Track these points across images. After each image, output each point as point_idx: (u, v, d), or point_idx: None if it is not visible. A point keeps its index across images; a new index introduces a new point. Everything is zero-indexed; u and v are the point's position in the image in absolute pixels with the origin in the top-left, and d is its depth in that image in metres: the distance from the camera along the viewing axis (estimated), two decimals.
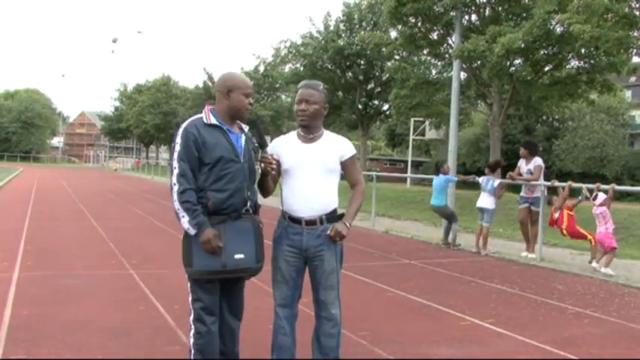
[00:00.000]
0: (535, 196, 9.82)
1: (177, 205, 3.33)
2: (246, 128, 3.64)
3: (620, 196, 9.08)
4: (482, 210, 10.14)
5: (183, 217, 3.32)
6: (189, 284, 3.45)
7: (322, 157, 3.51)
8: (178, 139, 3.39)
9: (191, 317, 3.45)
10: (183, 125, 3.46)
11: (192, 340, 3.44)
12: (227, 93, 3.49)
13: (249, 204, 3.48)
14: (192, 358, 3.44)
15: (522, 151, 10.10)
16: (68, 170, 53.66)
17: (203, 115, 3.50)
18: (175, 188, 3.34)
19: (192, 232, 3.30)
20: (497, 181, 10.04)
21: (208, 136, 3.39)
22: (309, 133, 3.57)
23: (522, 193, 10.14)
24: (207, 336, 3.41)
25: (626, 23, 13.89)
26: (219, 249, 3.29)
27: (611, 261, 8.48)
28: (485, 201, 10.10)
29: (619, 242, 11.71)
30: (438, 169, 11.13)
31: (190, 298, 3.45)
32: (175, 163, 3.37)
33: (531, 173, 9.84)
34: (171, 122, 55.30)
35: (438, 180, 10.96)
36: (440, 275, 8.04)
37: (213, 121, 3.46)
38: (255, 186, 3.60)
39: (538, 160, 9.83)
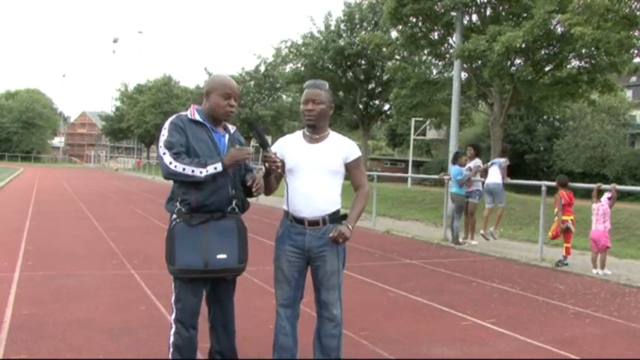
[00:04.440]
0: (472, 189, 11.13)
1: (182, 165, 3.27)
2: (232, 129, 3.64)
3: (620, 196, 9.09)
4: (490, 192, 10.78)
5: (200, 171, 3.27)
6: (173, 283, 3.44)
7: (326, 158, 3.50)
8: (165, 132, 3.39)
9: (172, 316, 3.44)
10: (169, 119, 3.47)
11: (171, 339, 3.42)
12: (207, 95, 3.51)
13: (234, 202, 3.47)
14: (170, 357, 3.43)
15: (472, 151, 11.37)
16: (69, 170, 53.69)
17: (188, 112, 3.52)
18: (169, 156, 3.29)
19: (220, 167, 3.30)
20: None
21: (191, 133, 3.41)
22: (314, 133, 3.56)
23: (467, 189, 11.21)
24: (186, 336, 3.40)
25: (627, 24, 13.88)
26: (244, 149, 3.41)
27: (604, 260, 8.50)
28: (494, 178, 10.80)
29: (620, 242, 11.76)
30: (456, 158, 11.43)
31: (173, 298, 3.44)
32: (165, 149, 3.33)
33: (470, 169, 11.06)
34: None
35: (452, 170, 11.44)
36: (441, 275, 8.04)
37: (197, 117, 3.48)
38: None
39: (478, 161, 11.15)
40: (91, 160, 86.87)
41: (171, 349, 3.42)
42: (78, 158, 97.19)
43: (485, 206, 11.06)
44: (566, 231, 9.08)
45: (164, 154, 3.31)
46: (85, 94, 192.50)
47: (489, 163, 11.17)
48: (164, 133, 3.39)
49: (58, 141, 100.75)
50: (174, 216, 3.40)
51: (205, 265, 3.30)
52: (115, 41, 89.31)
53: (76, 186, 26.96)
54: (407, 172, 42.17)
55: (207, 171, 3.29)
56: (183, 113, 3.52)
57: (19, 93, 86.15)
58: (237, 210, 3.49)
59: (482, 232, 10.84)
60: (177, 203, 3.39)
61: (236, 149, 3.39)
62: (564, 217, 9.04)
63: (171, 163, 3.29)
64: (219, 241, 3.35)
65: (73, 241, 9.58)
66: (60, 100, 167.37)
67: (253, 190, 3.44)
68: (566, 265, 8.93)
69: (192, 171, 3.27)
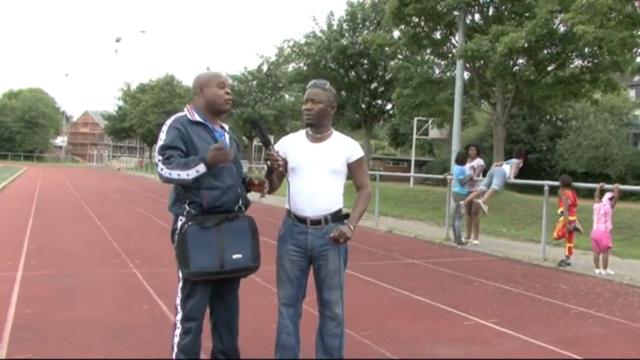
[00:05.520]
0: (475, 189, 11.10)
1: (168, 171, 3.27)
2: (226, 127, 3.64)
3: (623, 196, 9.08)
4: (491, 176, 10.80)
5: (187, 174, 3.24)
6: (180, 284, 3.42)
7: (328, 158, 3.50)
8: (163, 135, 3.38)
9: (178, 317, 3.43)
10: (168, 122, 3.45)
11: (176, 340, 3.42)
12: (200, 91, 3.50)
13: (241, 201, 3.49)
14: (174, 357, 3.43)
15: (473, 150, 11.49)
16: (71, 170, 53.75)
17: (186, 112, 3.49)
18: (160, 162, 3.30)
19: (204, 168, 3.23)
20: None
21: (194, 135, 3.39)
22: (317, 132, 3.57)
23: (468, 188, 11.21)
24: (192, 337, 3.41)
25: (630, 22, 13.86)
26: (227, 152, 3.27)
27: (607, 260, 8.49)
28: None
29: (623, 242, 11.74)
30: (463, 159, 11.37)
31: (179, 299, 3.42)
32: (159, 155, 3.33)
33: (474, 169, 11.18)
34: None
35: (454, 169, 11.47)
36: (443, 275, 8.03)
37: (198, 118, 3.46)
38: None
39: (480, 161, 11.36)
40: (94, 159, 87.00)
41: (175, 350, 3.42)
42: (80, 157, 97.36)
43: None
44: (574, 231, 9.07)
45: (159, 160, 3.32)
46: (88, 94, 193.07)
47: (504, 164, 11.17)
48: (162, 137, 3.39)
49: (61, 140, 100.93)
50: (184, 218, 3.38)
51: (221, 265, 3.31)
52: (118, 40, 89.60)
53: (79, 185, 26.99)
54: (409, 172, 42.17)
55: (188, 175, 3.25)
56: (182, 114, 3.50)
57: (22, 92, 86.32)
58: (243, 209, 3.50)
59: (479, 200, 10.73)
60: (186, 205, 3.37)
61: (215, 148, 3.25)
62: (571, 218, 9.03)
63: (162, 169, 3.30)
64: (234, 242, 3.36)
65: (76, 240, 9.59)
66: (63, 99, 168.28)
67: (265, 190, 3.49)
68: (569, 265, 8.92)
69: (179, 175, 3.26)
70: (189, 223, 3.33)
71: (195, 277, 3.33)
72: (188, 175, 3.25)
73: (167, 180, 3.31)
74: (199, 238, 3.30)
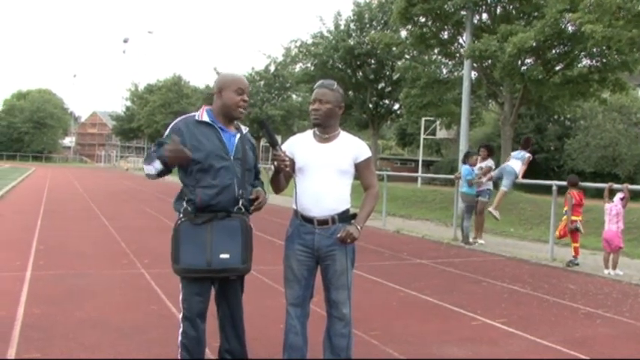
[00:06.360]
0: (483, 189, 11.10)
1: (144, 164, 3.47)
2: (245, 129, 3.64)
3: (632, 196, 9.00)
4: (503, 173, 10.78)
5: (150, 168, 3.41)
6: (180, 283, 3.46)
7: (336, 158, 3.50)
8: (166, 132, 3.50)
9: (180, 315, 3.47)
10: (174, 121, 3.54)
11: (180, 338, 3.46)
12: (219, 92, 3.52)
13: (241, 202, 3.46)
14: (179, 357, 3.46)
15: (484, 152, 11.44)
16: (80, 170, 53.96)
17: (197, 113, 3.54)
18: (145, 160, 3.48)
19: (159, 165, 3.37)
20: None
21: (197, 133, 3.42)
22: (324, 132, 3.57)
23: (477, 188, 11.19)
24: (193, 335, 3.43)
25: (639, 22, 13.78)
26: (182, 149, 3.30)
27: (617, 261, 8.46)
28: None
29: (632, 242, 11.68)
30: (467, 158, 11.39)
31: (180, 297, 3.46)
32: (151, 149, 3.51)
33: (481, 169, 11.13)
34: None
35: (462, 169, 11.41)
36: (451, 275, 8.02)
37: (205, 118, 3.50)
38: (249, 184, 3.58)
39: (490, 162, 11.27)
40: (102, 159, 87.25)
41: (179, 349, 3.45)
42: (88, 158, 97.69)
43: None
44: (575, 231, 9.04)
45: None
46: (96, 94, 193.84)
47: (511, 157, 11.09)
48: (165, 134, 3.50)
49: (69, 141, 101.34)
50: (181, 215, 3.42)
51: (208, 264, 3.32)
52: (126, 41, 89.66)
53: (87, 185, 27.09)
54: (417, 172, 42.08)
55: (152, 170, 3.42)
56: (192, 115, 3.55)
57: (30, 93, 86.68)
58: (243, 210, 3.47)
59: (489, 208, 10.68)
60: (185, 202, 3.41)
61: (169, 149, 3.32)
62: (573, 218, 9.00)
63: (143, 167, 3.48)
64: (223, 241, 3.35)
65: (84, 241, 9.63)
66: (71, 100, 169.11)
67: (252, 207, 3.51)
68: (578, 265, 8.89)
69: (146, 168, 3.44)
70: (183, 219, 3.38)
71: (183, 273, 3.38)
72: (151, 169, 3.42)
73: (147, 176, 3.50)
74: (191, 234, 3.34)
